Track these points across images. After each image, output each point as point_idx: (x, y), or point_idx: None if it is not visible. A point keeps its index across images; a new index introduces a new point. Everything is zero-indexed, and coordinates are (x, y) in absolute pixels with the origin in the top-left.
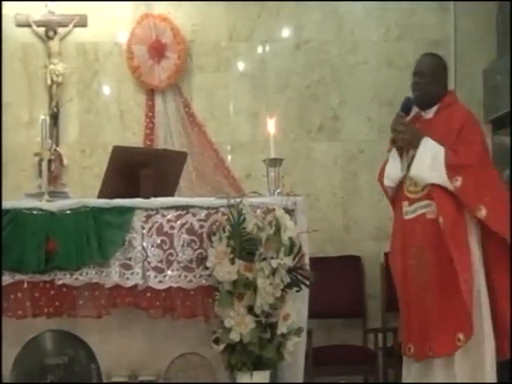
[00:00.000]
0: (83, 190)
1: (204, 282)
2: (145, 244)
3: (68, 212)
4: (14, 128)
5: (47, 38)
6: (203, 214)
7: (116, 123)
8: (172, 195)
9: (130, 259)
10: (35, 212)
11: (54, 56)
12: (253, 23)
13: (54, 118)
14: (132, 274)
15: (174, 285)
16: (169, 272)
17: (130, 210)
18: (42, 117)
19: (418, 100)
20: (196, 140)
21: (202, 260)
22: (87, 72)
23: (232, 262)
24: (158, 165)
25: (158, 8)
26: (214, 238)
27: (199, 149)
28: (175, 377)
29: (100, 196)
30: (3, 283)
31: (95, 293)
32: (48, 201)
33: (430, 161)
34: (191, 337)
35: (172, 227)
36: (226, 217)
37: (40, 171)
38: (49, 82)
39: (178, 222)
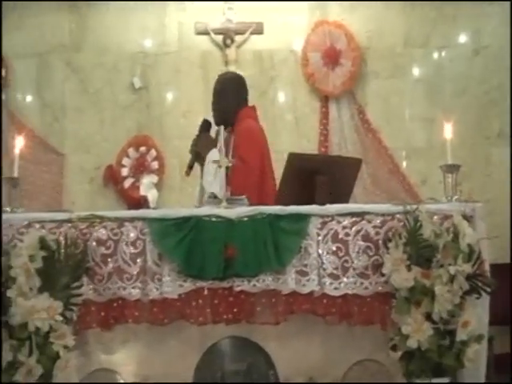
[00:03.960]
0: None
1: (380, 288)
2: (320, 251)
3: (245, 219)
4: (193, 135)
5: (225, 45)
6: (379, 221)
7: (291, 130)
8: (347, 202)
9: (305, 266)
10: (214, 219)
11: (231, 63)
12: (429, 29)
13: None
14: (308, 280)
15: (350, 291)
16: (344, 279)
17: (306, 217)
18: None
19: (215, 120)
20: (371, 146)
21: (377, 267)
22: (263, 79)
23: (409, 268)
24: (333, 171)
25: (333, 14)
26: (390, 245)
27: (374, 155)
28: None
29: (276, 203)
30: (185, 290)
31: (272, 299)
32: (226, 208)
33: (212, 175)
34: (368, 343)
35: (347, 234)
36: (402, 223)
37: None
38: None
39: (354, 229)
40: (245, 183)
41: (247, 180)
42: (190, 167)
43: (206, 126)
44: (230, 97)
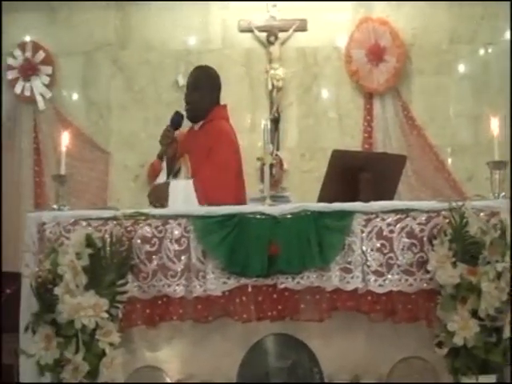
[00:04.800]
0: (303, 194)
1: (425, 285)
2: (364, 248)
3: (289, 216)
4: (236, 133)
5: (268, 43)
6: (423, 218)
7: (335, 127)
8: (391, 199)
9: (349, 263)
10: (258, 216)
11: (275, 61)
12: (475, 25)
13: (275, 122)
14: (352, 277)
15: (395, 288)
16: (389, 276)
17: (350, 214)
18: (264, 121)
19: (187, 113)
20: (415, 143)
21: (422, 264)
22: (306, 76)
23: (454, 265)
24: (377, 168)
25: (378, 11)
26: (435, 242)
27: (418, 152)
28: (398, 380)
29: (320, 200)
30: (229, 287)
31: (316, 296)
32: (270, 205)
33: (182, 195)
34: (413, 341)
35: (392, 231)
36: (447, 220)
37: (262, 175)
38: (270, 86)
39: (398, 226)
40: (224, 189)
41: (228, 186)
42: (161, 158)
43: (177, 118)
44: (205, 92)
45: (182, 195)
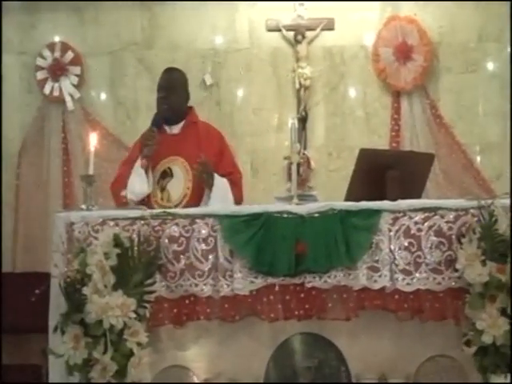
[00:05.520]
0: (330, 193)
1: (453, 284)
2: (392, 246)
3: (316, 215)
4: (264, 132)
5: (296, 42)
6: (452, 216)
7: (362, 126)
8: (419, 197)
9: (377, 262)
10: (285, 215)
11: (302, 60)
12: (503, 23)
13: (303, 121)
14: (380, 276)
15: (423, 287)
16: (417, 274)
17: (377, 213)
18: (291, 120)
19: (164, 115)
20: (443, 141)
21: (450, 262)
22: (334, 75)
23: (483, 263)
24: (405, 167)
25: (405, 10)
26: (463, 240)
27: (446, 150)
28: (425, 379)
29: (347, 199)
30: (256, 286)
31: (343, 295)
32: (297, 204)
33: (221, 193)
34: (440, 339)
35: (419, 229)
36: (476, 218)
37: (289, 174)
38: (297, 85)
39: (426, 224)
40: (241, 191)
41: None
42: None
43: (158, 120)
44: (181, 93)
45: (221, 193)
